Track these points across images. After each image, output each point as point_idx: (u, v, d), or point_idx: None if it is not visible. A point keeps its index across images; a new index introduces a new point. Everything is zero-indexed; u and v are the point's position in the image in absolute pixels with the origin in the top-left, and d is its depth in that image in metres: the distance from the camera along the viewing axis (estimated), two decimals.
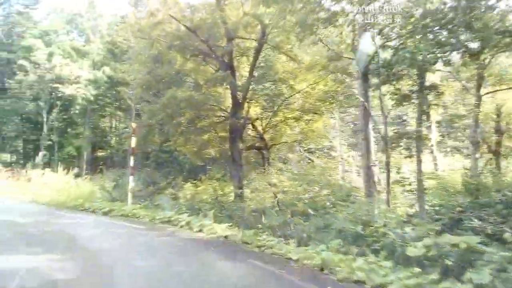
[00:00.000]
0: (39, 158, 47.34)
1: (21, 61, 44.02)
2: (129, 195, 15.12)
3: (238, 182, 16.45)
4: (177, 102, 15.67)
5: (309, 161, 21.78)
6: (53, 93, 46.54)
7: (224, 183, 19.31)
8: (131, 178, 15.30)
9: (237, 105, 16.79)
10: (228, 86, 16.99)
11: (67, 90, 44.25)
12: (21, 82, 44.11)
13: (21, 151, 52.51)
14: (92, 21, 49.90)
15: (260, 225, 11.05)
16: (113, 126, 56.75)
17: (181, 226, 11.94)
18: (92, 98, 46.53)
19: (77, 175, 26.55)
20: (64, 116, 50.93)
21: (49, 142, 46.81)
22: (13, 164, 53.15)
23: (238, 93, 16.93)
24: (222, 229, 10.92)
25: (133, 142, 15.25)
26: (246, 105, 17.54)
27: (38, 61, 44.07)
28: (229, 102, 17.58)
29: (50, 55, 44.66)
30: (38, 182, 23.10)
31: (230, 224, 11.30)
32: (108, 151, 57.00)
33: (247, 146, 17.96)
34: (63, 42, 46.24)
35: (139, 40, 20.07)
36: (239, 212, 12.46)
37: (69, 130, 51.22)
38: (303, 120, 18.05)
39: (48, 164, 49.28)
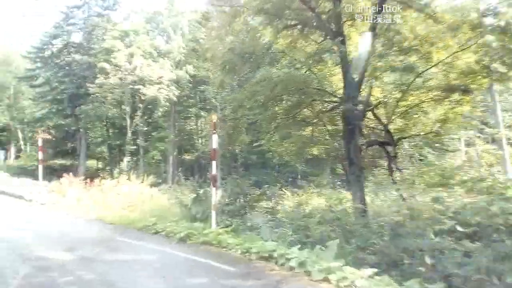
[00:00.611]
0: (123, 163, 45.53)
1: (101, 64, 42.22)
2: (213, 214, 11.08)
3: (359, 192, 11.96)
4: (272, 85, 11.49)
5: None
6: (135, 96, 44.45)
7: (334, 192, 15.03)
8: (213, 190, 11.27)
9: (352, 86, 12.26)
10: (339, 61, 12.52)
11: (149, 91, 41.88)
12: (102, 86, 42.32)
13: (107, 157, 51.14)
14: (172, 18, 47.30)
15: (423, 269, 6.68)
16: (199, 128, 54.10)
17: (292, 269, 7.70)
18: (175, 99, 43.81)
19: (155, 184, 23.30)
20: (148, 120, 48.89)
21: (134, 147, 44.59)
22: (99, 171, 52.13)
23: (353, 71, 12.41)
24: (363, 278, 6.60)
25: (214, 141, 11.20)
26: (364, 86, 12.92)
27: (119, 63, 42.12)
28: (339, 84, 13.22)
29: (131, 56, 42.54)
30: (112, 192, 19.94)
31: (376, 270, 6.84)
32: (195, 154, 54.62)
33: (368, 141, 13.20)
34: (144, 42, 43.90)
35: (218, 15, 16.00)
36: (378, 243, 8.02)
37: (153, 133, 48.99)
38: (446, 102, 12.92)
39: (134, 169, 47.53)
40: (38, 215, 16.50)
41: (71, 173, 23.83)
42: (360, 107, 12.24)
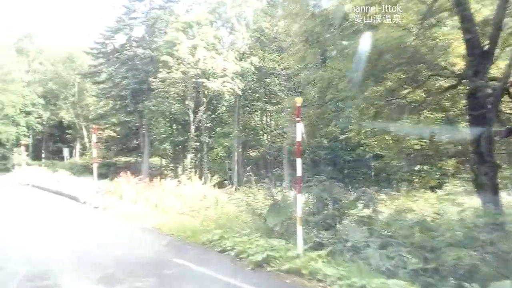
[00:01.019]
0: (187, 161, 43.73)
1: (164, 57, 40.46)
2: (299, 229, 8.23)
3: (494, 198, 8.80)
4: (375, 54, 8.54)
5: None
6: (199, 90, 42.46)
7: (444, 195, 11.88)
8: (298, 197, 8.44)
9: (479, 57, 9.11)
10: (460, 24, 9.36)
11: (213, 84, 39.68)
12: (164, 80, 40.64)
13: (170, 154, 49.58)
14: (236, 8, 44.89)
15: None
16: (264, 122, 51.58)
17: None
18: (240, 93, 41.40)
19: (220, 185, 20.89)
20: (212, 115, 46.86)
21: (197, 144, 42.60)
22: (162, 168, 50.68)
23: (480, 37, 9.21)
24: None
25: (299, 132, 8.37)
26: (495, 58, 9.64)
27: (181, 56, 40.19)
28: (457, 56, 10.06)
29: (194, 48, 40.50)
30: (172, 193, 17.63)
31: None
32: (261, 150, 52.14)
33: (505, 130, 9.76)
34: (207, 33, 41.78)
35: None
36: None
37: (217, 129, 46.85)
38: None
39: (198, 167, 45.70)
40: (88, 222, 14.34)
41: (128, 172, 21.55)
42: (493, 85, 9.01)
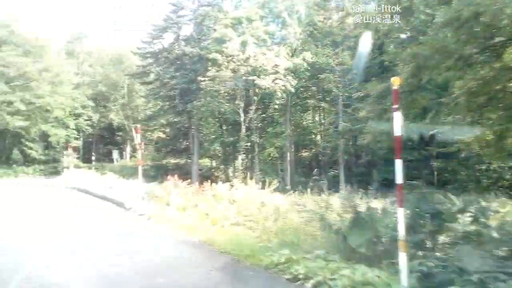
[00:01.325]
0: (238, 162, 42.01)
1: (213, 55, 38.88)
2: (402, 257, 5.99)
3: None
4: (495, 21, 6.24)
5: None
6: (249, 88, 40.67)
7: None
8: (399, 212, 6.22)
9: None
10: None
11: (264, 82, 37.73)
12: (214, 79, 39.04)
13: (220, 155, 47.99)
14: (287, 1, 42.80)
15: None
16: (317, 121, 49.32)
17: None
18: (292, 90, 39.31)
19: (278, 189, 18.92)
20: (262, 114, 44.96)
21: (248, 144, 40.77)
22: (212, 170, 49.18)
23: None
24: None
25: (398, 123, 6.18)
26: None
27: (231, 53, 38.52)
28: None
29: (243, 44, 38.74)
30: (224, 199, 15.74)
31: None
32: (313, 150, 49.95)
33: None
34: (257, 29, 39.91)
35: None
36: None
37: (268, 129, 44.88)
38: None
39: (250, 168, 43.92)
40: (129, 233, 12.55)
41: (176, 175, 19.86)
42: None
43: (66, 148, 45.32)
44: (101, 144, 67.06)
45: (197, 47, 43.56)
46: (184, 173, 48.22)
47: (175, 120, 47.10)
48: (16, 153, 49.26)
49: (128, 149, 63.49)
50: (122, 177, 38.82)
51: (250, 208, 13.14)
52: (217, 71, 39.10)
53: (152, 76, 47.57)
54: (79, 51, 61.03)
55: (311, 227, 9.71)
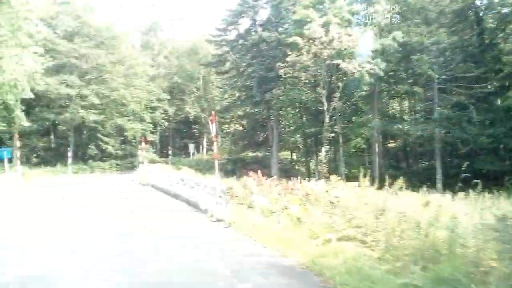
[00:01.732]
0: (322, 154, 38.72)
1: (293, 39, 35.71)
2: None
3: None
4: None
5: None
6: (333, 74, 37.22)
7: None
8: None
9: None
10: None
11: (350, 66, 34.11)
12: (294, 65, 35.91)
13: (301, 147, 44.78)
14: None
15: None
16: (406, 108, 44.91)
17: None
18: (381, 73, 35.35)
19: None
20: (346, 103, 41.25)
21: (332, 135, 37.32)
22: (293, 163, 46.18)
23: None
24: None
25: None
26: None
27: (313, 35, 35.17)
28: None
29: (326, 25, 35.25)
30: (323, 200, 12.64)
31: None
32: (400, 141, 45.50)
33: None
34: (341, 8, 36.25)
35: None
36: None
37: (353, 118, 41.18)
38: None
39: (333, 161, 40.58)
40: (205, 248, 9.68)
41: (256, 170, 16.97)
42: None
43: (140, 142, 43.98)
44: (177, 138, 65.96)
45: (275, 31, 40.62)
46: (262, 167, 45.66)
47: (253, 111, 44.46)
48: (92, 148, 48.68)
49: (205, 142, 61.86)
50: (198, 172, 36.97)
51: (363, 216, 9.87)
52: (298, 56, 35.91)
53: (227, 65, 45.23)
54: (154, 43, 59.92)
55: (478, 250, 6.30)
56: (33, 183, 30.37)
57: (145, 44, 59.67)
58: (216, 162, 16.04)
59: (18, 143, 32.01)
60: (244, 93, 44.27)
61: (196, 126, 62.26)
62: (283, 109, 40.84)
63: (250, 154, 48.15)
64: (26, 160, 44.18)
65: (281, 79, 37.72)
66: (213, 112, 18.76)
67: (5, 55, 23.92)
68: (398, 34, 35.54)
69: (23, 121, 33.27)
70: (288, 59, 36.12)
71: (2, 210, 16.94)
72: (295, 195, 14.21)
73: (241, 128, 53.32)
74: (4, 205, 18.88)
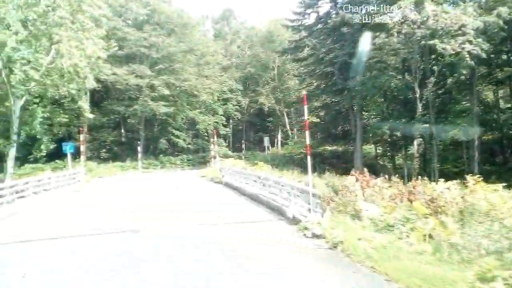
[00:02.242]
0: (414, 148, 34.65)
1: (380, 19, 31.83)
2: None
3: None
4: None
5: None
6: (426, 57, 32.95)
7: None
8: None
9: None
10: None
11: (448, 47, 29.72)
12: (382, 48, 32.06)
13: (389, 140, 40.58)
14: None
15: None
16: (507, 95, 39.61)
17: None
18: (484, 55, 30.65)
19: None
20: (439, 90, 36.65)
21: (426, 126, 33.05)
22: (378, 159, 42.08)
23: None
24: None
25: None
26: None
27: (403, 14, 31.14)
28: None
29: (419, 3, 31.08)
30: (452, 207, 9.33)
31: None
32: (496, 132, 40.03)
33: None
34: None
35: None
36: None
37: (449, 107, 36.57)
38: None
39: (423, 155, 36.30)
40: None
41: (356, 171, 13.69)
42: None
43: (212, 135, 41.68)
44: (250, 132, 63.33)
45: (357, 13, 36.71)
46: (342, 162, 42.22)
47: (334, 99, 40.75)
48: (163, 142, 46.93)
49: (279, 135, 58.87)
50: (274, 167, 34.06)
51: None
52: (387, 37, 32.00)
53: (305, 52, 41.81)
54: (226, 32, 57.52)
55: None
56: (93, 185, 28.62)
57: (217, 33, 57.42)
58: (309, 159, 12.73)
59: (81, 137, 30.21)
60: (323, 82, 40.74)
61: (270, 119, 59.30)
62: (368, 97, 36.84)
63: (329, 148, 44.62)
64: (95, 155, 43.19)
65: (366, 64, 33.92)
66: (304, 93, 15.67)
67: (63, 38, 21.77)
68: (503, 10, 30.73)
69: (87, 113, 31.58)
70: (375, 41, 32.38)
71: None
72: (414, 200, 10.86)
73: (317, 120, 49.73)
74: None
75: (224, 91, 51.17)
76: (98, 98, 44.34)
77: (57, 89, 27.15)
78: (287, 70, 52.90)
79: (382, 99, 38.23)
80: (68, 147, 29.12)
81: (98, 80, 38.91)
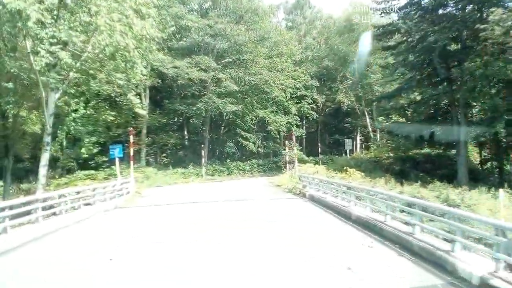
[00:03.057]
0: None
1: None
2: None
3: None
4: None
5: None
6: None
7: None
8: None
9: None
10: None
11: None
12: (500, 24, 25.76)
13: (503, 141, 33.38)
14: None
15: None
16: None
17: None
18: None
19: None
20: None
21: None
22: (482, 165, 35.14)
23: None
24: None
25: None
26: None
27: None
28: None
29: None
30: None
31: None
32: None
33: None
34: None
35: None
36: None
37: None
38: None
39: None
40: None
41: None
42: None
43: (285, 138, 36.53)
44: (325, 133, 57.28)
45: None
46: (437, 168, 35.69)
47: (433, 93, 34.06)
48: (230, 146, 41.93)
49: (359, 138, 52.61)
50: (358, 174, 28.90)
51: None
52: (504, 13, 25.60)
53: (396, 38, 35.64)
54: (301, 22, 52.04)
55: None
56: (143, 200, 23.09)
57: (290, 25, 52.08)
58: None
59: (131, 139, 25.77)
60: (417, 73, 34.36)
61: (349, 119, 53.00)
62: (478, 89, 29.96)
63: (422, 151, 38.15)
64: (155, 160, 39.17)
65: (474, 48, 27.56)
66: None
67: (102, 10, 16.91)
68: None
69: (137, 108, 26.95)
70: (490, 18, 25.96)
71: None
72: None
73: (402, 120, 43.08)
74: None
75: (298, 88, 45.60)
76: (160, 97, 40.37)
77: (99, 80, 22.69)
78: (368, 63, 46.49)
79: (495, 88, 30.97)
80: (116, 151, 24.65)
81: (157, 75, 34.66)
